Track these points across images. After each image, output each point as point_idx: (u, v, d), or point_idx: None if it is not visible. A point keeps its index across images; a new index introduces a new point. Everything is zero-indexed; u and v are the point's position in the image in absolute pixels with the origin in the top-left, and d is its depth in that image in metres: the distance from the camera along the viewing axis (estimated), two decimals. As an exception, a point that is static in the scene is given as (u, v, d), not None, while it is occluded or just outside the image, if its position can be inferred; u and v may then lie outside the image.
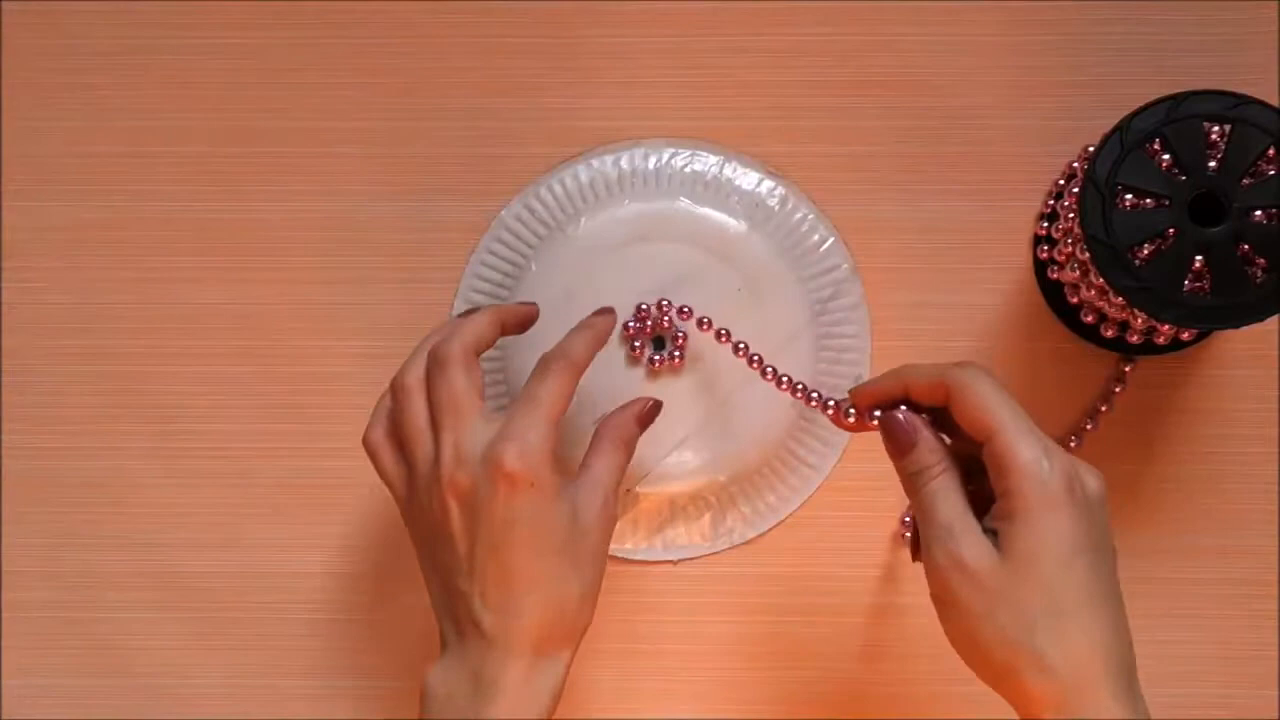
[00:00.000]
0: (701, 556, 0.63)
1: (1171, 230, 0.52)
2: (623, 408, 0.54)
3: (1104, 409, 0.62)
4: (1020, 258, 0.62)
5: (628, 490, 0.61)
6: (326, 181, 0.63)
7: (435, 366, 0.50)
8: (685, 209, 0.61)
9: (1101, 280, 0.53)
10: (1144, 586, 0.62)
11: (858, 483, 0.62)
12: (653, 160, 0.62)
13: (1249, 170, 0.52)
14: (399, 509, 0.53)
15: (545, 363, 0.51)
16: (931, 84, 0.62)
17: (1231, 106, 0.52)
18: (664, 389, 0.59)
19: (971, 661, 0.47)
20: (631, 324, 0.59)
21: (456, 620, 0.50)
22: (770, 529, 0.63)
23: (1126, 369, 0.61)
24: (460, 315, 0.53)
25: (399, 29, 0.63)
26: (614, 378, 0.59)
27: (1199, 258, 0.52)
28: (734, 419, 0.60)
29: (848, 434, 0.62)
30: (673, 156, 0.62)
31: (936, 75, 0.62)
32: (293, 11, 0.63)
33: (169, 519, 0.64)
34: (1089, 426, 0.62)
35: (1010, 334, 0.62)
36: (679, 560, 0.63)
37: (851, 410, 0.51)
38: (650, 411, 0.54)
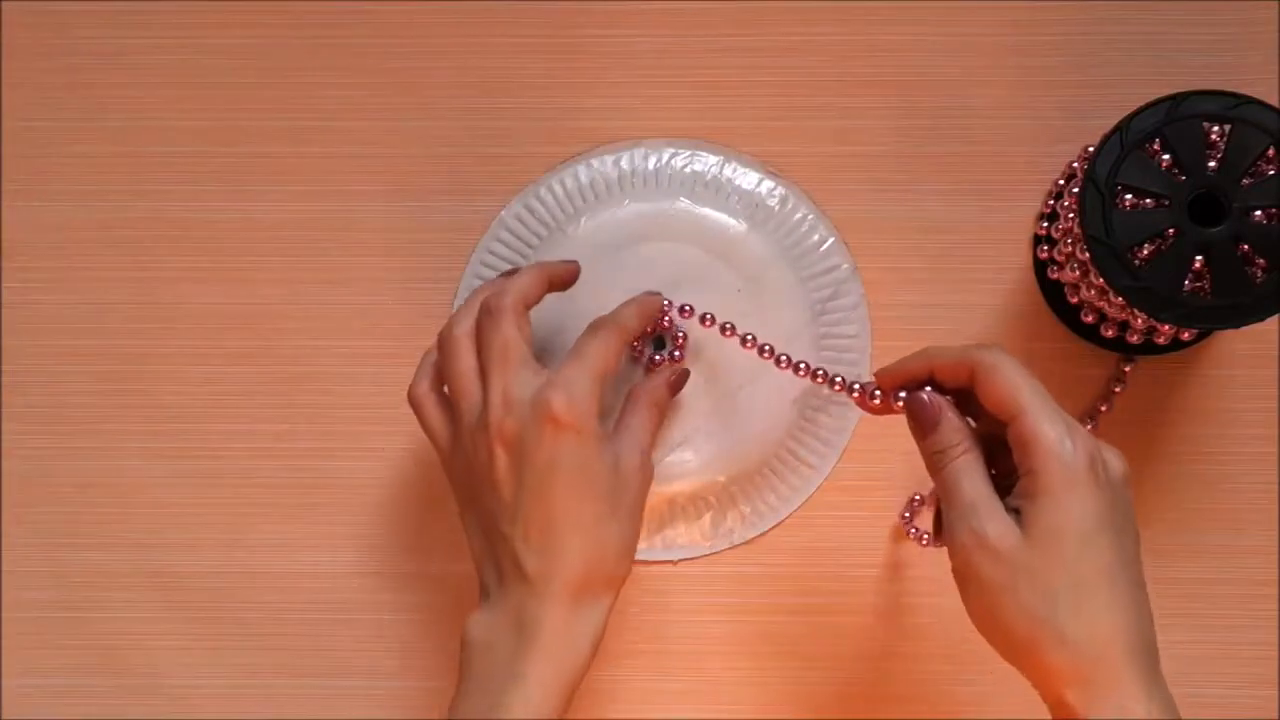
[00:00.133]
0: (701, 556, 0.63)
1: (1171, 230, 0.52)
2: (653, 374, 0.57)
3: (1104, 409, 0.62)
4: (1020, 258, 0.62)
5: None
6: (326, 181, 0.63)
7: (487, 317, 0.52)
8: (685, 209, 0.61)
9: (1101, 280, 0.53)
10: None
11: (858, 483, 0.62)
12: (653, 160, 0.62)
13: (1249, 170, 0.52)
14: (441, 462, 0.54)
15: (594, 325, 0.53)
16: (931, 84, 0.62)
17: (1231, 106, 0.52)
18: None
19: (993, 638, 0.48)
20: (632, 323, 0.59)
21: (498, 566, 0.51)
22: (770, 529, 0.63)
23: (1126, 369, 0.61)
24: (505, 273, 0.55)
25: (399, 29, 0.63)
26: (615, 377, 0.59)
27: (1199, 258, 0.52)
28: (734, 419, 0.60)
29: (848, 434, 0.62)
30: (673, 156, 0.62)
31: (936, 75, 0.62)
32: (293, 11, 0.63)
33: (169, 519, 0.64)
34: (1089, 427, 0.62)
35: (1010, 334, 0.62)
36: (679, 560, 0.63)
37: (877, 392, 0.51)
38: (679, 379, 0.57)
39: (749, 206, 0.61)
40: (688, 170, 0.62)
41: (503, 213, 0.63)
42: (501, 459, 0.50)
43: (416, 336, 0.62)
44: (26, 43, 0.63)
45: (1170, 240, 0.52)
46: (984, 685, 0.62)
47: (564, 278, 0.56)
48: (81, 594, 0.64)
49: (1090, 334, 0.61)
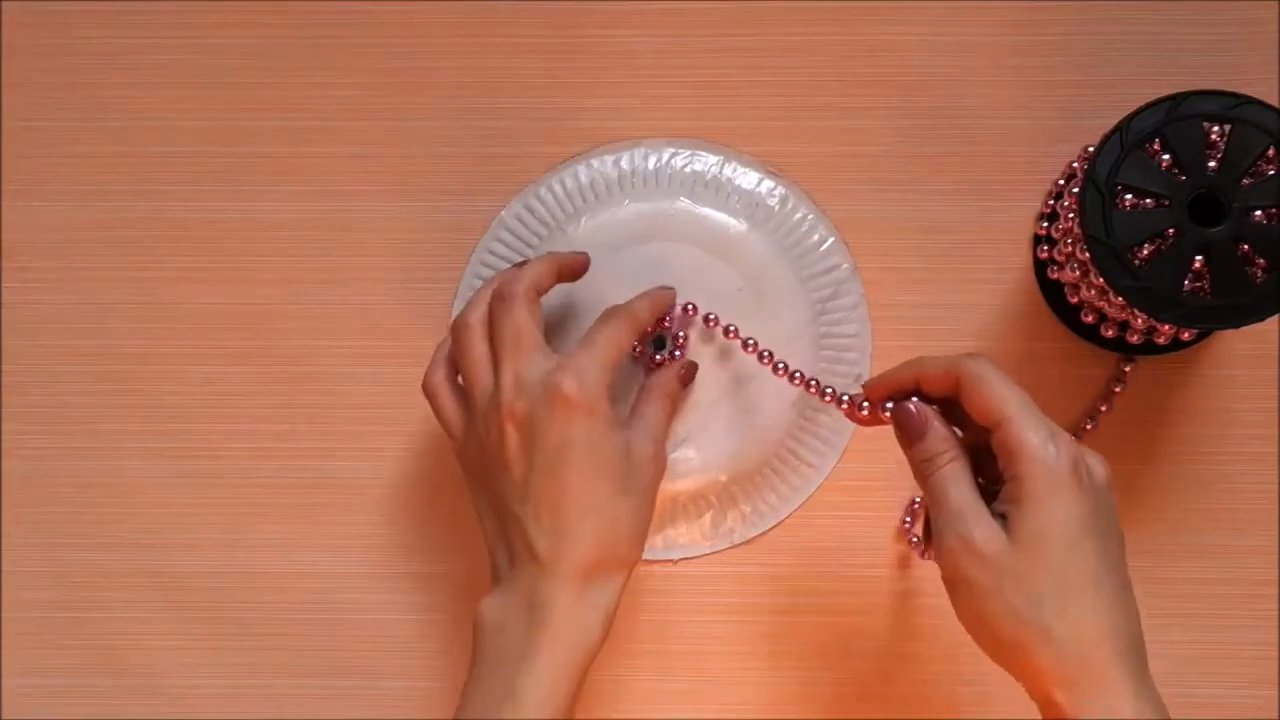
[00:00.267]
0: (702, 556, 0.63)
1: (1171, 230, 0.52)
2: (666, 367, 0.57)
3: (1104, 409, 0.62)
4: (1020, 258, 0.62)
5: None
6: (326, 181, 0.63)
7: (499, 303, 0.53)
8: (685, 209, 0.61)
9: (1101, 280, 0.53)
10: (1144, 586, 0.61)
11: (858, 482, 0.63)
12: (653, 160, 0.62)
13: (1249, 170, 0.52)
14: (455, 451, 0.54)
15: (607, 314, 0.54)
16: (931, 84, 0.62)
17: (1231, 106, 0.52)
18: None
19: (981, 640, 0.48)
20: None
21: (510, 548, 0.51)
22: (771, 528, 0.63)
23: (1126, 369, 0.61)
24: (516, 265, 0.56)
25: (399, 29, 0.63)
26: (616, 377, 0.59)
27: (1199, 258, 0.52)
28: (734, 418, 0.60)
29: (848, 434, 0.62)
30: (673, 156, 0.62)
31: (936, 75, 0.62)
32: (293, 11, 0.63)
33: (169, 519, 0.64)
34: (1089, 426, 0.62)
35: (1010, 334, 0.62)
36: (679, 559, 0.63)
37: (865, 404, 0.52)
38: (689, 372, 0.58)
39: (749, 206, 0.61)
40: (688, 170, 0.62)
41: (503, 213, 0.63)
42: (513, 439, 0.50)
43: (416, 336, 0.62)
44: (26, 43, 0.63)
45: (1170, 240, 0.52)
46: (985, 685, 0.62)
47: (574, 268, 0.57)
48: (81, 594, 0.64)
49: (1090, 334, 0.61)
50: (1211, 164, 0.52)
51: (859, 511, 0.63)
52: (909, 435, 0.50)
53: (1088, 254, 0.53)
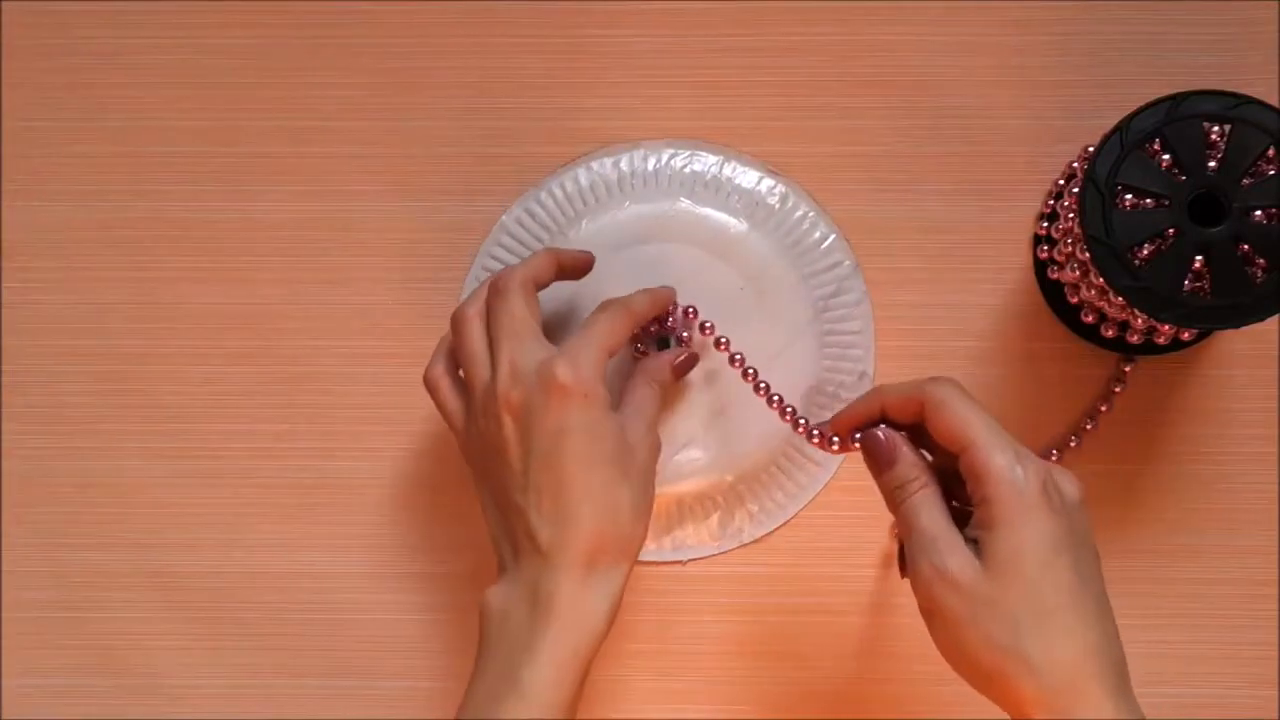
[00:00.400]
0: (710, 556, 0.63)
1: (1171, 230, 0.52)
2: (659, 354, 0.57)
3: (1104, 409, 0.62)
4: (1020, 258, 0.62)
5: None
6: (327, 181, 0.63)
7: (495, 295, 0.53)
8: (685, 209, 0.61)
9: (1101, 280, 0.53)
10: (1144, 586, 0.62)
11: (864, 482, 0.62)
12: (652, 161, 0.62)
13: (1249, 170, 0.52)
14: (457, 443, 0.54)
15: (604, 304, 0.54)
16: (931, 84, 0.62)
17: (1231, 106, 0.52)
18: (669, 388, 0.59)
19: (961, 669, 0.48)
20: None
21: (513, 539, 0.51)
22: (778, 528, 0.63)
23: (1126, 369, 0.61)
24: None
25: (399, 29, 0.63)
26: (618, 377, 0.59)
27: (1199, 258, 0.52)
28: (740, 417, 0.60)
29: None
30: (672, 157, 0.62)
31: (936, 75, 0.62)
32: (293, 11, 0.63)
33: (169, 519, 0.64)
34: (1089, 426, 0.62)
35: (1010, 334, 0.62)
36: (688, 560, 0.63)
37: (835, 438, 0.52)
38: (686, 362, 0.58)
39: (749, 205, 0.61)
40: (687, 170, 0.62)
41: (503, 217, 0.63)
42: (510, 427, 0.51)
43: (416, 336, 0.62)
44: (26, 43, 0.63)
45: (1170, 240, 0.52)
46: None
47: (577, 265, 0.57)
48: (81, 594, 0.64)
49: (1090, 334, 0.61)
50: (1211, 164, 0.52)
51: (860, 512, 0.63)
52: (878, 463, 0.50)
53: (1088, 254, 0.53)
